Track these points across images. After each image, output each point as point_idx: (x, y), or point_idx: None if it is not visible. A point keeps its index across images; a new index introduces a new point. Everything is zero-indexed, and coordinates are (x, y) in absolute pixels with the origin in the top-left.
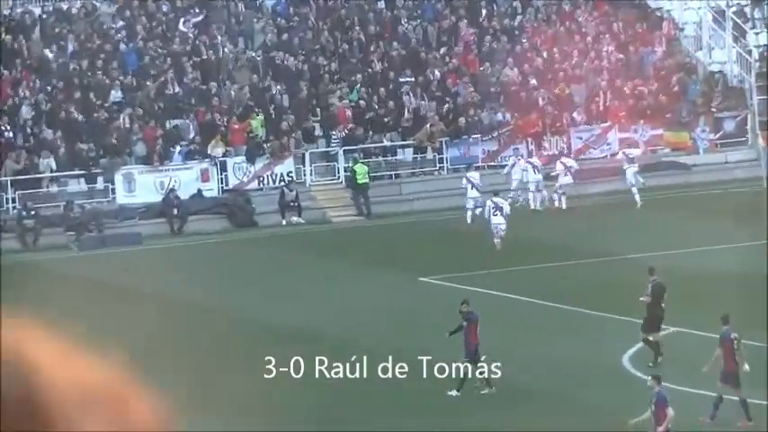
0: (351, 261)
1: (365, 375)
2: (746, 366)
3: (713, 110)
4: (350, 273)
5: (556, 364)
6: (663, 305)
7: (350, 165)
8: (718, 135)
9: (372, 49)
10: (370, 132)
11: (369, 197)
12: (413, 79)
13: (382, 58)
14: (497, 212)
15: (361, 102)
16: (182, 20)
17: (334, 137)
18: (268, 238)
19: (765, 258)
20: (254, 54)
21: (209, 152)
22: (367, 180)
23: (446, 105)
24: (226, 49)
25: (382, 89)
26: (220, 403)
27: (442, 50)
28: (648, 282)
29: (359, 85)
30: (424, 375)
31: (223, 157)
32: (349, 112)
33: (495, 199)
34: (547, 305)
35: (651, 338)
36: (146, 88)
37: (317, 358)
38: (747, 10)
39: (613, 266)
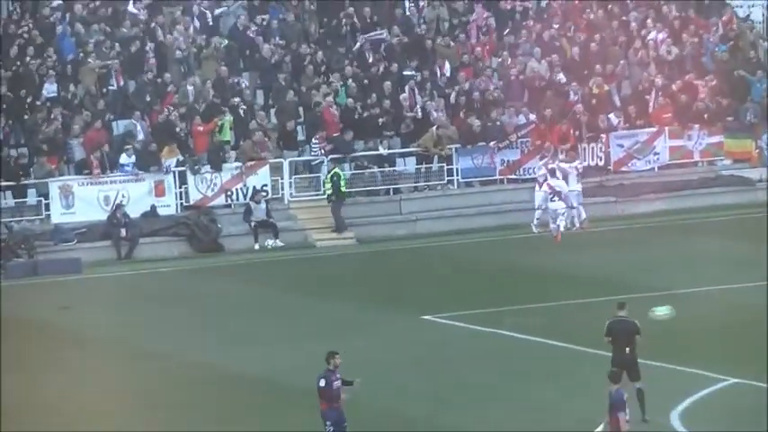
0: (337, 294)
1: None
2: None
3: None
4: (336, 309)
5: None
6: (628, 349)
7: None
8: None
9: (366, 35)
10: (363, 138)
11: (339, 212)
12: (416, 73)
13: (378, 47)
14: (554, 197)
15: (350, 100)
16: None
17: (315, 142)
18: (237, 266)
19: None
20: (221, 41)
21: (162, 161)
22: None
23: (457, 105)
24: (187, 34)
25: (379, 84)
26: None
27: (453, 38)
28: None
29: (350, 80)
30: None
31: (179, 166)
32: (336, 112)
33: (552, 182)
34: (579, 350)
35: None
36: (86, 81)
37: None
38: None
39: (658, 303)
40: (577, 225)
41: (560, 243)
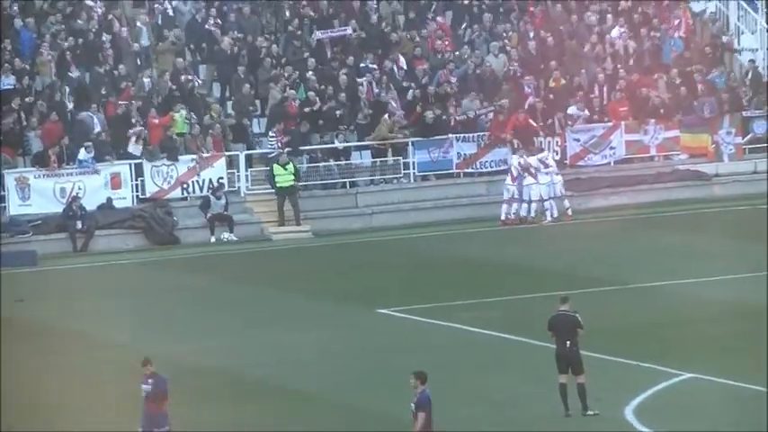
0: (293, 288)
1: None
2: None
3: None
4: (291, 302)
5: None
6: (569, 343)
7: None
8: (746, 139)
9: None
10: (319, 131)
11: (297, 203)
12: (374, 65)
13: (337, 42)
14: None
15: (311, 93)
16: None
17: (272, 135)
18: (193, 258)
19: None
20: (176, 36)
21: (129, 150)
22: (291, 183)
23: (412, 96)
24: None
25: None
26: None
27: (411, 32)
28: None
29: (310, 72)
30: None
31: (137, 159)
32: (296, 105)
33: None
34: (535, 345)
35: (561, 380)
36: (43, 72)
37: (246, 406)
38: None
39: (614, 297)
40: (548, 219)
41: (516, 236)
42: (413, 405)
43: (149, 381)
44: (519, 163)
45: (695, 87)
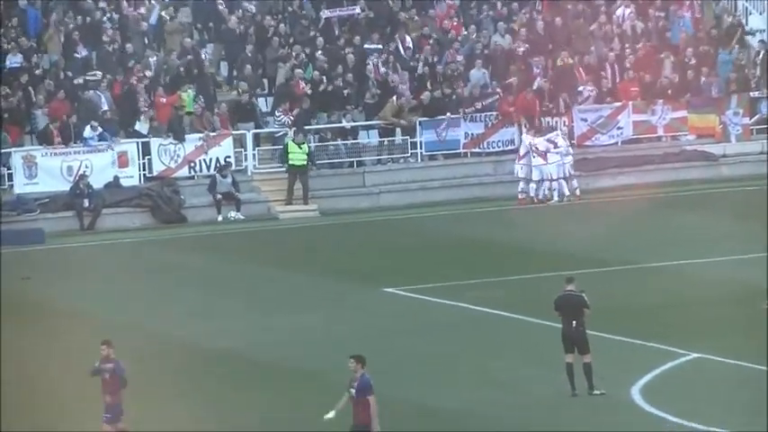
0: (300, 267)
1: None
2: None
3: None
4: (298, 282)
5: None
6: (575, 323)
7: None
8: (753, 119)
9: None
10: (327, 110)
11: (307, 183)
12: (380, 46)
13: (345, 21)
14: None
15: (316, 73)
16: None
17: (279, 114)
18: (200, 237)
19: None
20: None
21: (136, 128)
22: (304, 162)
23: (420, 76)
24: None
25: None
26: None
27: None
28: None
29: (319, 51)
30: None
31: (145, 137)
32: (305, 85)
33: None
34: (541, 324)
35: (567, 360)
36: (50, 50)
37: (256, 388)
38: None
39: (621, 277)
40: (556, 198)
41: (523, 215)
42: (352, 390)
43: (106, 365)
44: (529, 143)
45: (703, 68)
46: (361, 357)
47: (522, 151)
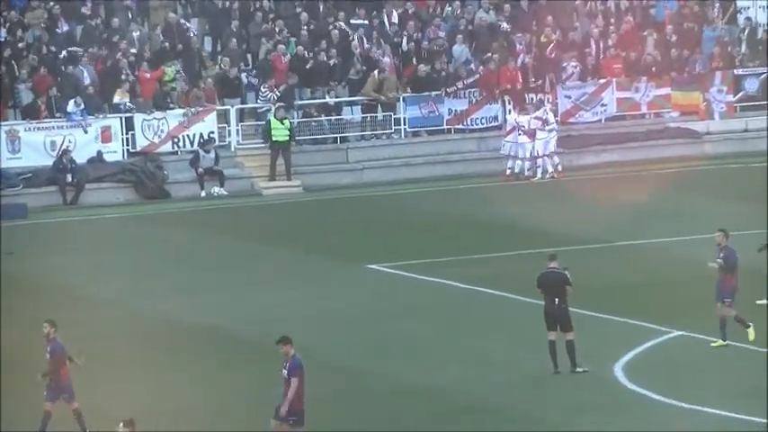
0: (283, 243)
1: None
2: None
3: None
4: (281, 258)
5: (534, 377)
6: (557, 300)
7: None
8: (737, 97)
9: None
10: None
11: (290, 159)
12: (365, 22)
13: None
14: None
15: (300, 48)
16: None
17: (264, 90)
18: (183, 213)
19: None
20: None
21: (114, 101)
22: (286, 138)
23: (407, 53)
24: None
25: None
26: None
27: None
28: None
29: (304, 27)
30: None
31: (127, 112)
32: (285, 60)
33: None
34: (524, 301)
35: (549, 338)
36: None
37: (240, 364)
38: None
39: (603, 255)
40: (539, 176)
41: (506, 192)
42: (284, 371)
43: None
44: (515, 120)
45: (687, 44)
46: (288, 338)
47: (508, 128)
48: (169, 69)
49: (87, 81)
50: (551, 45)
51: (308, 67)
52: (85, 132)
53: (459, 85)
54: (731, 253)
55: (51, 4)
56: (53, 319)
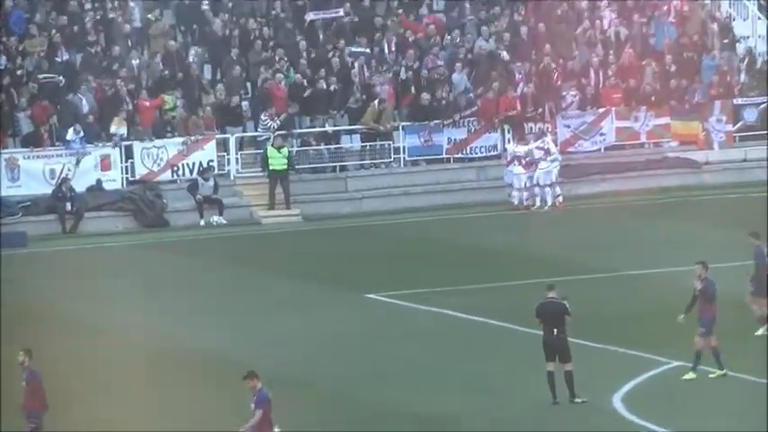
0: (282, 272)
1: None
2: None
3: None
4: (280, 287)
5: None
6: (556, 330)
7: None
8: (736, 126)
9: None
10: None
11: (288, 187)
12: (367, 50)
13: (330, 25)
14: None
15: (298, 76)
16: None
17: (264, 119)
18: (182, 241)
19: None
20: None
21: (111, 131)
22: (284, 167)
23: (405, 81)
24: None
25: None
26: None
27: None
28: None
29: (303, 55)
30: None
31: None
32: (284, 88)
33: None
34: (524, 331)
35: (548, 368)
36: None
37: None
38: None
39: (604, 285)
40: (538, 204)
41: (505, 222)
42: (252, 405)
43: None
44: (514, 151)
45: (687, 74)
46: (254, 373)
47: (509, 158)
48: (169, 98)
49: (86, 109)
50: (555, 74)
51: (305, 95)
52: (77, 165)
53: (457, 116)
54: (710, 284)
55: (54, 32)
56: (30, 348)
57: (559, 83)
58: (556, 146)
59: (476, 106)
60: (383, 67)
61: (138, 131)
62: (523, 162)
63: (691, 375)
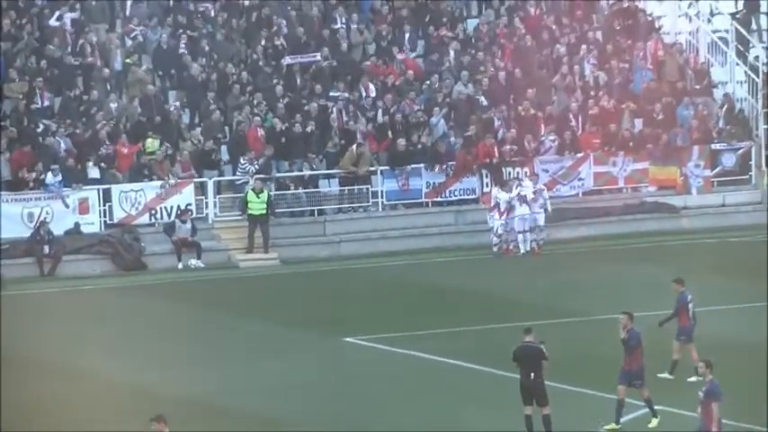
0: (260, 316)
1: None
2: None
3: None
4: (258, 331)
5: None
6: (533, 374)
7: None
8: (714, 171)
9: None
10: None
11: (268, 231)
12: (346, 94)
13: (307, 69)
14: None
15: (276, 120)
16: (56, 13)
17: (243, 163)
18: (160, 285)
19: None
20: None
21: (89, 175)
22: (263, 212)
23: (383, 126)
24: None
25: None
26: None
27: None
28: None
29: (281, 100)
30: None
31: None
32: (261, 132)
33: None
34: (501, 375)
35: (526, 412)
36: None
37: None
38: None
39: (581, 328)
40: (522, 250)
41: (483, 266)
42: None
43: None
44: (496, 196)
45: (664, 119)
46: (162, 416)
47: (492, 203)
48: (149, 142)
49: (63, 152)
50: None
51: (283, 140)
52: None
53: (436, 169)
54: (635, 335)
55: (39, 80)
56: None
57: (539, 127)
58: (542, 191)
59: (453, 163)
60: (359, 112)
61: (114, 176)
62: (501, 209)
63: (654, 423)
